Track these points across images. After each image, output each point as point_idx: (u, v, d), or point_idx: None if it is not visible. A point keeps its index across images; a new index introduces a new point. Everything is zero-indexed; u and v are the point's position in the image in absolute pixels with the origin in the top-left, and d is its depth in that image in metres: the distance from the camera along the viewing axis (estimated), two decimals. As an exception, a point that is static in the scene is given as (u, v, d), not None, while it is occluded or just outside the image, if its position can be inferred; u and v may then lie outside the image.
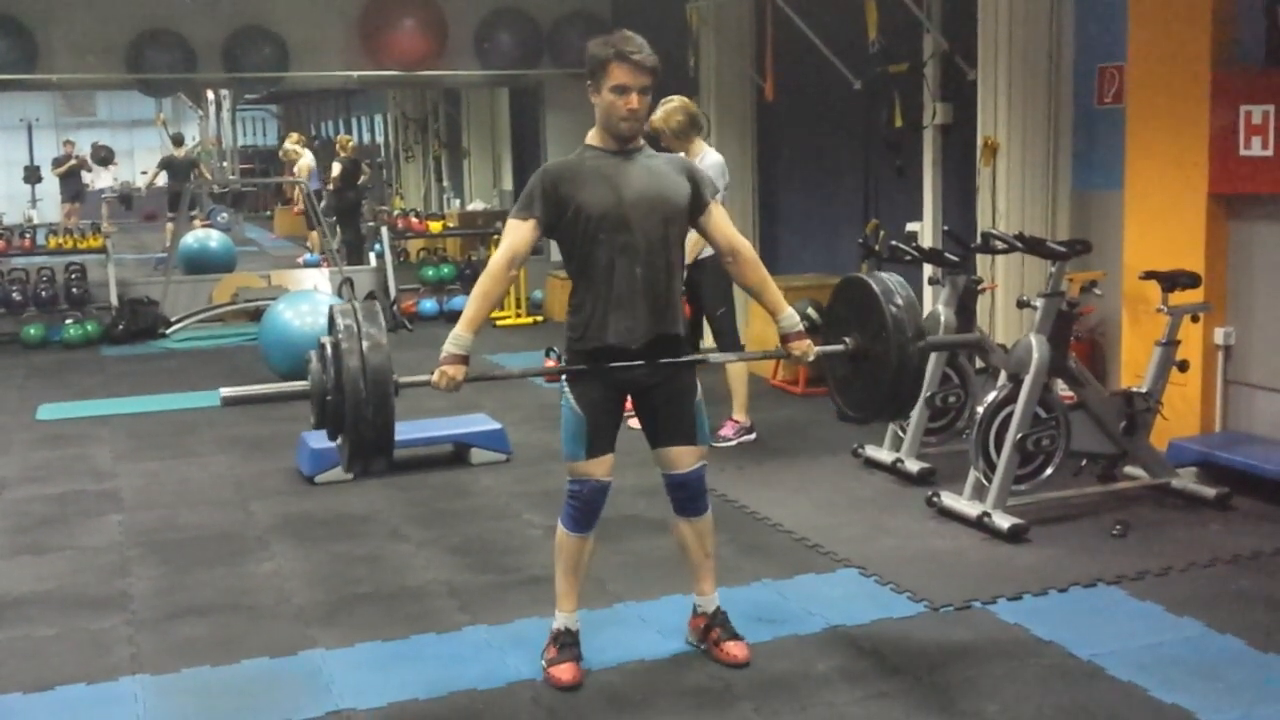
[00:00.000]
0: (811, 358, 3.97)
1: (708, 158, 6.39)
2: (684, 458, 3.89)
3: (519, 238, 3.71)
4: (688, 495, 3.93)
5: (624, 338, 3.71)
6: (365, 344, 3.50)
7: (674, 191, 3.76)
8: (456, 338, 3.67)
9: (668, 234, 3.75)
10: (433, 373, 3.67)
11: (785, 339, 3.95)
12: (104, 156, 21.82)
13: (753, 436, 6.75)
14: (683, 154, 6.34)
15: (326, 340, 3.62)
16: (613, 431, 3.85)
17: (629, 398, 3.90)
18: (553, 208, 3.69)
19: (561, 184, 3.69)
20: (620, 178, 3.70)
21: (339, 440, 3.64)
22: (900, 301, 3.89)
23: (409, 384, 3.65)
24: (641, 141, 3.80)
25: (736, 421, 6.78)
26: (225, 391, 3.61)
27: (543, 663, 3.89)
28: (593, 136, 3.80)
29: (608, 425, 3.83)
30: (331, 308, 3.70)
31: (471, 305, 3.73)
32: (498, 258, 3.72)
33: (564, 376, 3.84)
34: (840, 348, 4.03)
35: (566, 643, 3.90)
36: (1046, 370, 5.20)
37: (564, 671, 3.83)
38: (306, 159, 16.45)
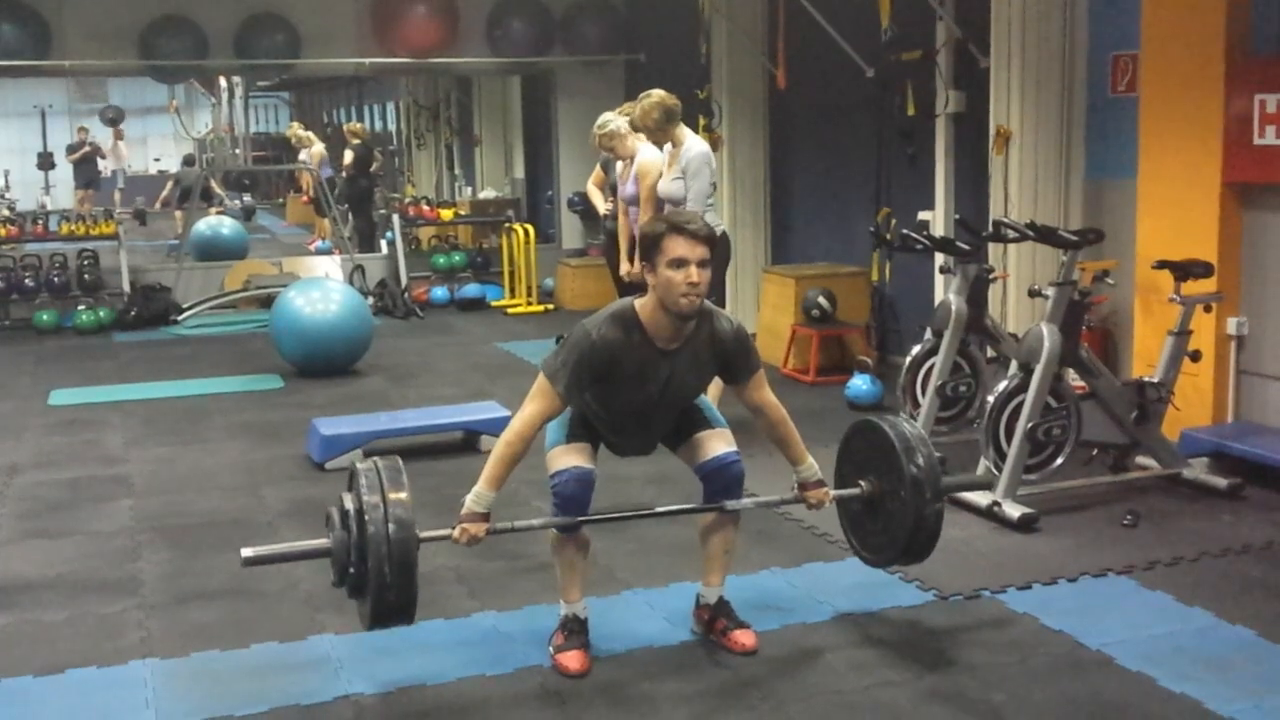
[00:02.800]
0: (827, 504, 3.97)
1: (692, 149, 6.35)
2: (714, 441, 3.86)
3: (548, 411, 3.65)
4: (725, 483, 3.86)
5: (617, 449, 3.96)
6: (390, 513, 3.43)
7: (707, 374, 3.81)
8: (478, 496, 3.64)
9: (688, 407, 3.90)
10: (454, 528, 3.64)
11: (803, 487, 3.95)
12: (113, 117, 21.80)
13: None
14: (669, 145, 6.42)
15: (348, 500, 3.56)
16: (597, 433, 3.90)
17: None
18: (581, 390, 3.66)
19: (598, 374, 3.62)
20: (659, 372, 3.66)
21: (360, 603, 3.60)
22: (921, 461, 3.81)
23: (430, 539, 3.59)
24: (694, 321, 3.65)
25: None
26: (246, 552, 3.58)
27: (550, 649, 3.89)
28: (646, 312, 3.63)
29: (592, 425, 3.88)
30: (353, 465, 3.62)
31: (493, 466, 3.64)
32: (521, 426, 3.64)
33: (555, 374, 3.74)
34: (856, 492, 4.00)
35: (574, 630, 3.90)
36: (1058, 360, 5.19)
37: (571, 659, 3.82)
38: (319, 146, 16.45)
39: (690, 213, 3.70)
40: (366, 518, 3.44)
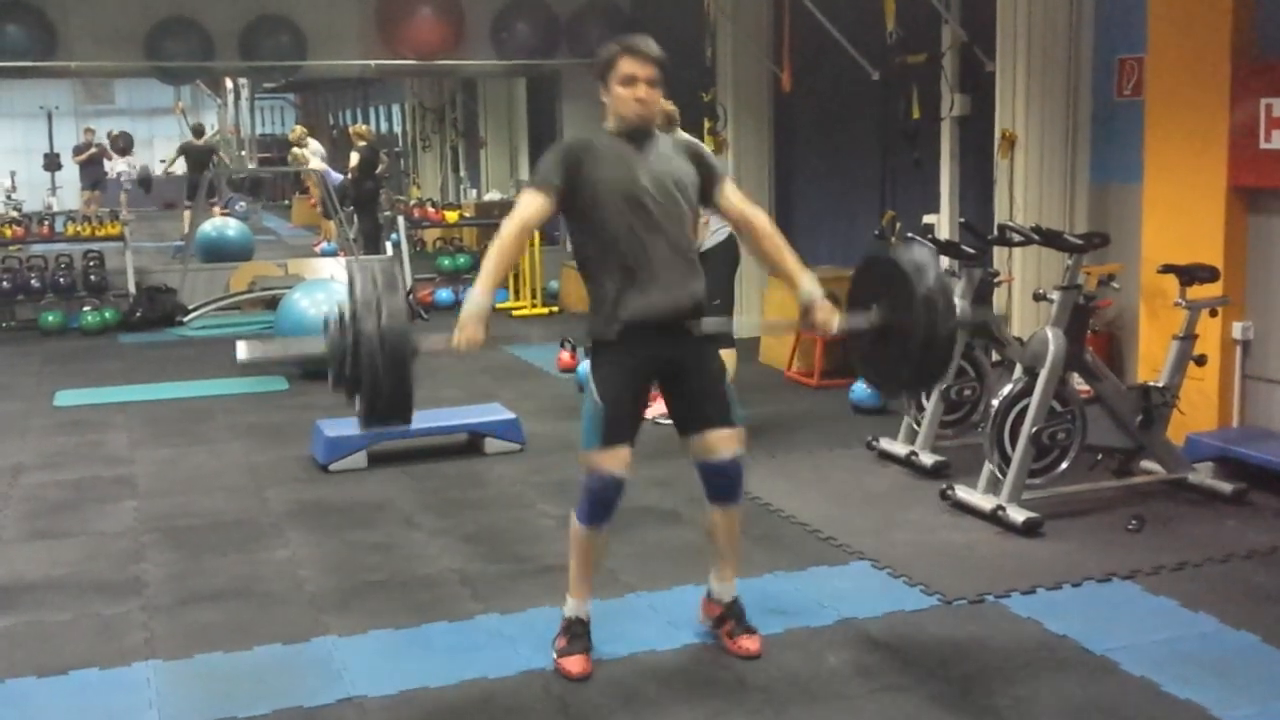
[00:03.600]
0: (835, 329, 3.83)
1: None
2: (723, 443, 3.84)
3: (533, 208, 3.70)
4: (727, 483, 3.90)
5: (645, 313, 3.72)
6: (384, 312, 3.48)
7: (684, 173, 3.81)
8: (474, 302, 3.65)
9: (682, 211, 3.79)
10: (451, 336, 3.65)
11: (806, 309, 3.81)
12: (123, 146, 21.90)
13: None
14: None
15: (344, 303, 3.59)
16: (633, 424, 3.81)
17: (654, 388, 3.89)
18: (572, 180, 3.72)
19: (583, 159, 3.73)
20: (635, 159, 3.75)
21: (357, 400, 3.61)
22: (932, 281, 3.77)
23: (428, 350, 3.64)
24: (654, 131, 3.84)
25: None
26: (242, 355, 3.60)
27: (553, 653, 3.89)
28: (610, 126, 3.84)
29: (628, 417, 3.78)
30: (350, 267, 3.70)
31: (487, 271, 3.69)
32: (509, 225, 3.71)
33: (589, 365, 3.83)
34: (864, 321, 3.89)
35: (577, 633, 3.89)
36: (1062, 364, 5.18)
37: (574, 663, 3.82)
38: (314, 150, 16.44)
39: (644, 37, 3.80)
40: (361, 315, 3.47)
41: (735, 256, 6.72)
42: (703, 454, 3.87)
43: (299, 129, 18.08)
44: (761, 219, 3.90)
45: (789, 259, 3.88)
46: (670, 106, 6.43)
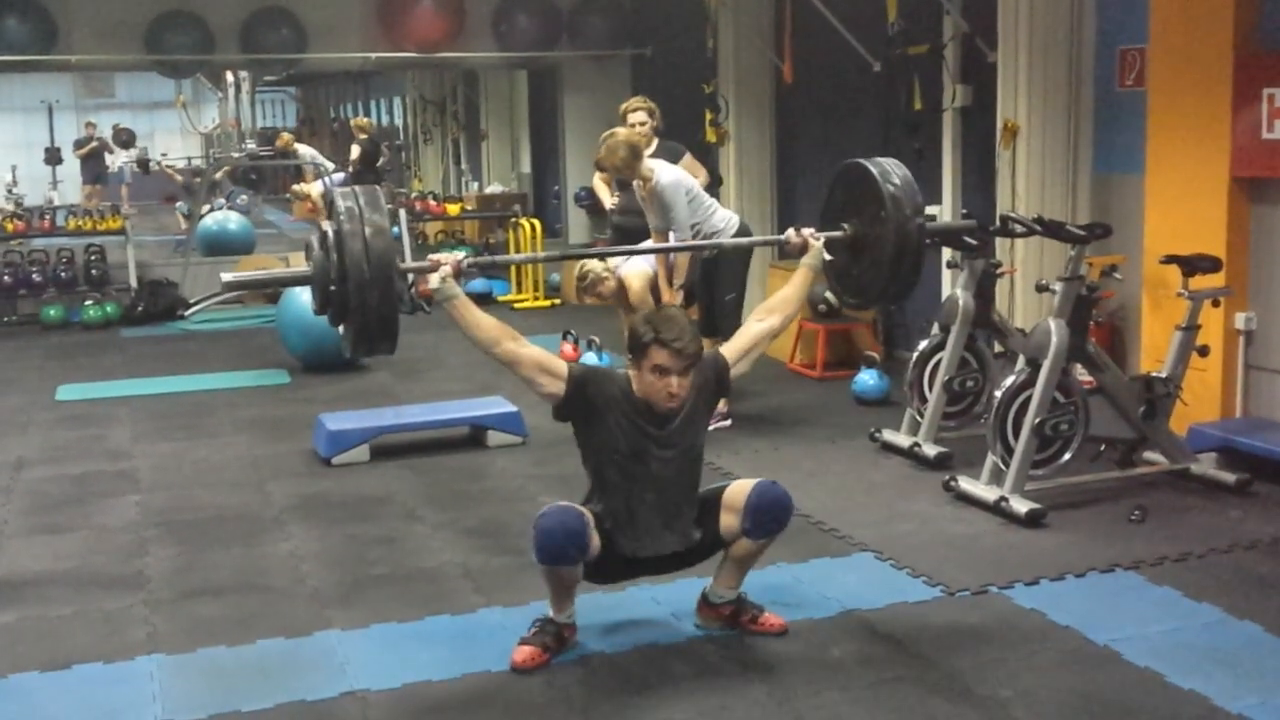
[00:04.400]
0: (818, 240, 4.10)
1: (661, 179, 6.46)
2: (740, 487, 3.89)
3: (548, 360, 3.78)
4: (772, 517, 3.89)
5: (634, 550, 3.85)
6: (368, 229, 3.48)
7: (701, 433, 3.90)
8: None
9: (684, 468, 3.86)
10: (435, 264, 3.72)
11: (786, 241, 4.15)
12: (125, 140, 21.90)
13: (728, 424, 6.69)
14: (637, 182, 6.53)
15: (328, 225, 3.59)
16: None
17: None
18: (579, 401, 3.77)
19: (596, 395, 3.78)
20: (648, 438, 3.79)
21: (342, 327, 3.62)
22: (898, 180, 4.00)
23: (411, 268, 3.69)
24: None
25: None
26: (226, 276, 3.65)
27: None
28: (636, 387, 3.81)
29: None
30: (330, 191, 3.73)
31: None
32: (503, 332, 3.79)
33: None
34: (840, 233, 4.12)
35: (545, 629, 3.87)
36: (1065, 355, 5.17)
37: (520, 651, 3.81)
38: (305, 154, 16.51)
39: (680, 323, 3.72)
40: (346, 240, 3.48)
41: (749, 253, 6.77)
42: (740, 502, 3.88)
43: (286, 136, 18.08)
44: (775, 317, 4.09)
45: (790, 290, 4.15)
46: (637, 137, 6.58)
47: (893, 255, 3.94)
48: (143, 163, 20.93)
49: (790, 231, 4.22)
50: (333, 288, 3.54)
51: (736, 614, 4.03)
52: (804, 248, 4.15)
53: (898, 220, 3.91)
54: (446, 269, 3.72)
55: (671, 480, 3.85)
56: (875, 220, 3.95)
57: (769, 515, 3.88)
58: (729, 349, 4.03)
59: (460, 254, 3.70)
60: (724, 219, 6.66)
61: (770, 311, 4.11)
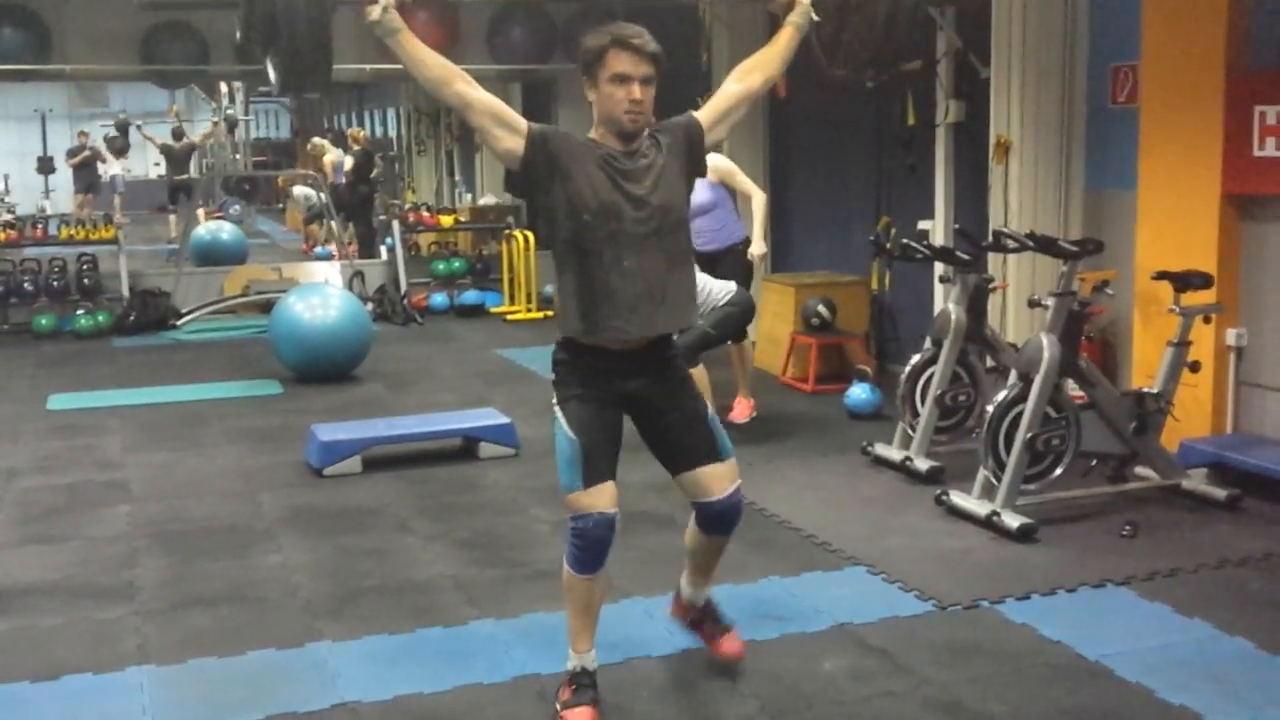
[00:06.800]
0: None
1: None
2: (718, 481, 3.57)
3: (504, 111, 3.41)
4: (726, 523, 3.64)
5: (613, 336, 3.41)
6: None
7: (673, 193, 3.47)
8: None
9: (664, 224, 3.44)
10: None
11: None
12: (120, 147, 21.91)
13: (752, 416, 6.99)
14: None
15: None
16: (612, 455, 3.50)
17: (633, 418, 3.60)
18: (540, 160, 3.38)
19: (559, 150, 3.39)
20: (618, 178, 3.40)
21: (269, 56, 3.23)
22: None
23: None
24: (643, 138, 3.47)
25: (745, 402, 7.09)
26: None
27: (557, 706, 3.59)
28: (593, 132, 3.48)
29: (605, 447, 3.47)
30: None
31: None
32: (454, 72, 3.44)
33: (554, 401, 3.51)
34: None
35: (583, 684, 3.58)
36: (1057, 370, 5.18)
37: (579, 715, 3.52)
38: (333, 154, 16.46)
39: (636, 27, 3.39)
40: None
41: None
42: (699, 494, 3.60)
43: (318, 142, 18.00)
44: (741, 86, 3.67)
45: (772, 50, 3.75)
46: None
47: (887, 13, 3.67)
48: (122, 128, 20.98)
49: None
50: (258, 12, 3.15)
51: (700, 623, 3.91)
52: (790, 4, 3.75)
53: None
54: None
55: (652, 248, 3.41)
56: None
57: (725, 521, 3.65)
58: (704, 112, 3.63)
59: None
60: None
61: (749, 71, 3.69)
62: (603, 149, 3.43)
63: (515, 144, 3.40)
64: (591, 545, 3.47)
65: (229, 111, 22.81)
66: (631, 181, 3.41)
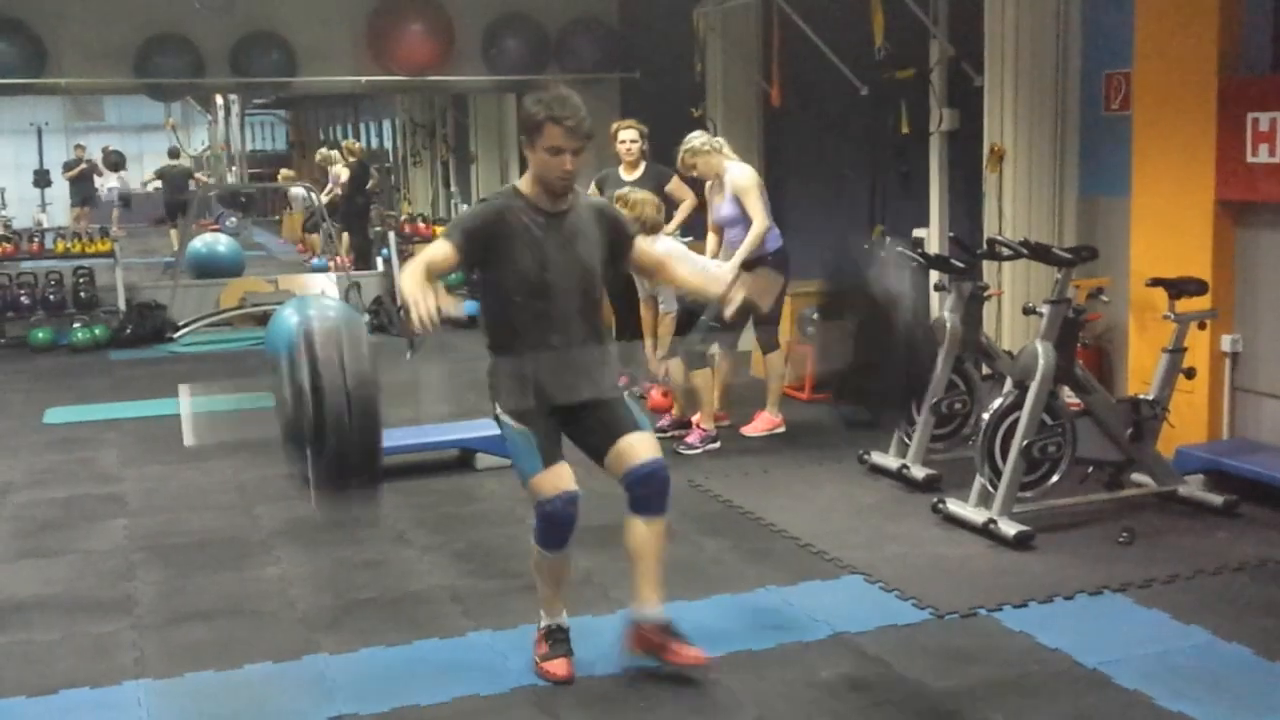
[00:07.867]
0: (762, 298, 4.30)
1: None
2: (641, 446, 3.78)
3: (442, 251, 3.73)
4: (654, 490, 3.78)
5: (536, 399, 3.78)
6: (351, 381, 3.21)
7: (593, 258, 3.85)
8: (406, 275, 3.64)
9: (585, 303, 3.85)
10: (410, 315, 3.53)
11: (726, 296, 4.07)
12: (115, 161, 21.95)
13: (716, 445, 6.77)
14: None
15: (303, 370, 3.31)
16: (559, 443, 3.82)
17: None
18: (478, 249, 3.77)
19: (487, 225, 3.78)
20: (547, 243, 3.77)
21: (308, 458, 3.21)
22: (910, 311, 3.70)
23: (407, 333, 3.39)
24: (572, 193, 3.85)
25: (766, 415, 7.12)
26: (189, 441, 3.50)
27: (535, 659, 3.89)
28: (526, 185, 3.83)
29: (553, 434, 3.81)
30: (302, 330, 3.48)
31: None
32: (418, 261, 3.71)
33: (494, 403, 3.87)
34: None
35: (558, 638, 3.91)
36: (1052, 377, 5.18)
37: (558, 666, 3.84)
38: (340, 165, 16.47)
39: (573, 102, 3.71)
40: (325, 396, 3.22)
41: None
42: (626, 461, 3.77)
43: (328, 152, 18.05)
44: (667, 256, 4.19)
45: (680, 278, 4.28)
46: (654, 199, 6.87)
47: (903, 386, 3.81)
48: (125, 198, 21.05)
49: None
50: (308, 448, 3.19)
51: (664, 646, 3.82)
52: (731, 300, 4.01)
53: (910, 358, 3.71)
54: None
55: (575, 307, 3.81)
56: (884, 341, 3.63)
57: (651, 487, 3.77)
58: (643, 243, 4.15)
59: (433, 301, 3.45)
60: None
61: (662, 269, 4.18)
62: (528, 202, 3.79)
63: (456, 260, 3.76)
64: (561, 524, 3.76)
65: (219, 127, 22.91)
66: (555, 229, 3.79)
